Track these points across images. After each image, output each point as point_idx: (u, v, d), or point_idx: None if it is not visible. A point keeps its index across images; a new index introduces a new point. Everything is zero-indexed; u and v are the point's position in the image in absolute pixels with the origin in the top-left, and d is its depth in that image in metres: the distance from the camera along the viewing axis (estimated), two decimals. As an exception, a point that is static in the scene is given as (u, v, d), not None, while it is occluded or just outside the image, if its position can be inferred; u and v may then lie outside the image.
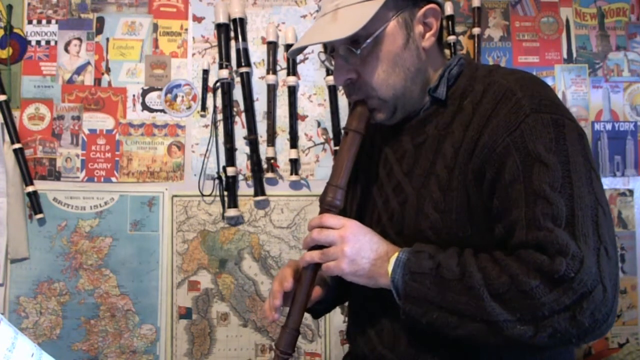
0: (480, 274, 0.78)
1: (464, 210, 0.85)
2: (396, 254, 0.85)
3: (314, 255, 0.88)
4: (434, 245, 0.85)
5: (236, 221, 1.84)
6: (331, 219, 0.88)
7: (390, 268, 0.84)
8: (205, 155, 1.85)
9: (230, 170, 1.82)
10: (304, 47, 0.96)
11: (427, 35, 0.92)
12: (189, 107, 1.87)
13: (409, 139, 0.95)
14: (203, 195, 1.83)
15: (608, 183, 1.94)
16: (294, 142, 1.86)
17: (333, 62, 0.95)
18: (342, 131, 0.98)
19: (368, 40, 0.88)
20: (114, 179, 1.83)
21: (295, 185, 1.88)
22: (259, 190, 1.83)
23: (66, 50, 1.84)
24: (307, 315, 1.17)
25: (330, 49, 0.95)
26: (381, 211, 0.97)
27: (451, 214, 0.86)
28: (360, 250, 0.85)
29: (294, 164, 1.85)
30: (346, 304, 1.16)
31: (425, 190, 0.90)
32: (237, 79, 1.86)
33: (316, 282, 1.00)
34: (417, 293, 0.81)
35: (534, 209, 0.77)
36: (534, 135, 0.80)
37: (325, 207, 0.91)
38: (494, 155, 0.82)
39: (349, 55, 0.90)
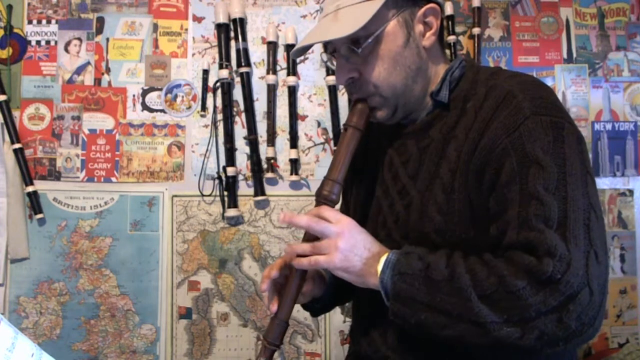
0: (469, 275, 0.78)
1: (466, 212, 0.85)
2: (386, 255, 0.85)
3: (305, 248, 0.88)
4: (423, 247, 0.85)
5: (236, 221, 1.84)
6: (328, 212, 0.88)
7: (379, 268, 0.84)
8: (205, 155, 1.85)
9: (230, 170, 1.82)
10: (307, 47, 0.96)
11: (428, 34, 0.92)
12: (189, 107, 1.87)
13: (413, 143, 0.96)
14: (203, 195, 1.83)
15: (608, 183, 1.94)
16: (294, 142, 1.86)
17: (335, 62, 0.95)
18: (342, 127, 0.97)
19: (369, 40, 0.88)
20: (114, 179, 1.83)
21: (295, 185, 1.88)
22: (259, 190, 1.83)
23: (66, 50, 1.84)
24: (307, 314, 1.18)
25: (331, 49, 0.96)
26: (387, 214, 0.97)
27: (454, 217, 0.86)
28: (354, 247, 0.85)
29: (294, 164, 1.85)
30: (346, 304, 1.16)
31: (429, 194, 0.90)
32: (237, 79, 1.86)
33: (315, 280, 1.01)
34: (405, 293, 0.81)
35: (527, 209, 0.77)
36: (532, 137, 0.80)
37: (322, 200, 0.91)
38: (493, 156, 0.83)
39: (350, 54, 0.91)
